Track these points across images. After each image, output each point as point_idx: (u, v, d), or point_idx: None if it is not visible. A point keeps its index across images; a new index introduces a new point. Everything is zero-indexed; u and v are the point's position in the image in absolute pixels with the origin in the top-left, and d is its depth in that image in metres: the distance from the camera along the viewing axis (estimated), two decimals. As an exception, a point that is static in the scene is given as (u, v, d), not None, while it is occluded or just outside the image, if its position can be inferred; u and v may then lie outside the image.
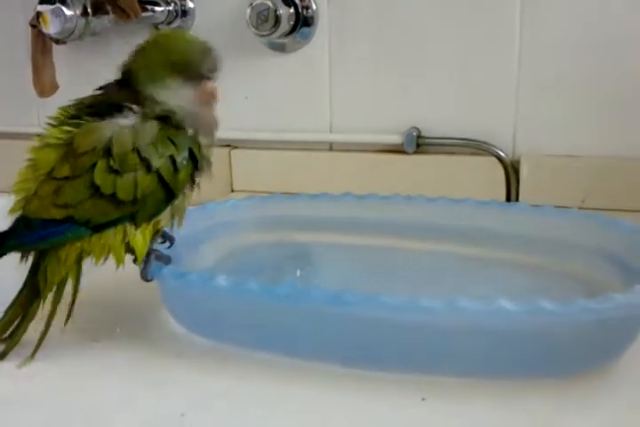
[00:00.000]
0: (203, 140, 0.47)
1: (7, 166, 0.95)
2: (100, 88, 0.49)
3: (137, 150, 0.44)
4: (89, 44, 0.87)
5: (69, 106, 0.47)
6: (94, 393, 0.44)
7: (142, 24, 0.85)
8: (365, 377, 0.44)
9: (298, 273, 0.60)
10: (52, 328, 0.48)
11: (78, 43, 0.84)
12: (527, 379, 0.43)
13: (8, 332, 0.48)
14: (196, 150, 0.46)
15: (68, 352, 0.49)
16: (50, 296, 0.48)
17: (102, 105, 0.46)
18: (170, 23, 0.85)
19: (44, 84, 0.85)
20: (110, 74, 0.87)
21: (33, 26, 0.83)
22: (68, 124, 0.46)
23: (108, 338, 0.51)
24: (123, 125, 0.45)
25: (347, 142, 0.83)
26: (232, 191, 0.85)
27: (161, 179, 0.45)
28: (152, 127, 0.45)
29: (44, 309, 0.48)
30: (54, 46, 0.85)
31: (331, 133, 0.83)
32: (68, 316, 0.48)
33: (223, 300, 0.45)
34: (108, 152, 0.44)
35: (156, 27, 0.86)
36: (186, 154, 0.46)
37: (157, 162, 0.45)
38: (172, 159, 0.45)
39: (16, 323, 0.48)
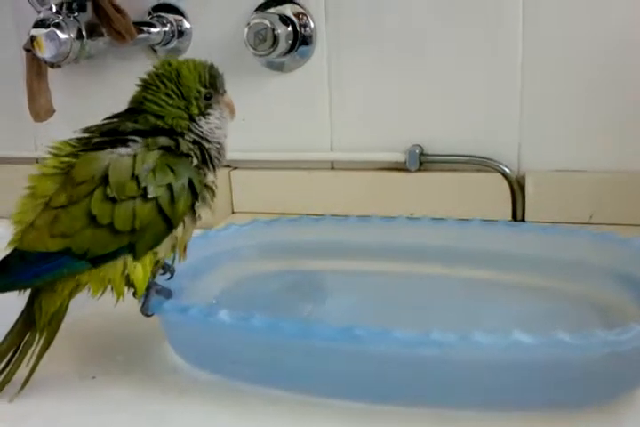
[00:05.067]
0: (208, 170, 0.46)
1: (3, 191, 0.95)
2: (108, 118, 0.47)
3: (136, 178, 0.43)
4: (84, 67, 0.86)
5: (72, 139, 0.46)
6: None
7: (138, 46, 0.84)
8: (376, 412, 0.42)
9: (305, 305, 0.58)
10: (50, 364, 0.47)
11: (73, 66, 0.83)
12: (542, 411, 0.41)
13: (1, 366, 0.47)
14: (196, 181, 0.45)
15: (65, 389, 0.47)
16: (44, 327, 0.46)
17: (107, 136, 0.45)
18: (166, 44, 0.84)
19: (40, 109, 0.84)
20: (106, 96, 0.88)
21: (27, 50, 0.82)
22: (67, 156, 0.45)
23: (106, 373, 0.49)
24: (122, 154, 0.44)
25: (348, 161, 0.81)
26: (232, 213, 0.84)
27: (159, 208, 0.44)
28: (152, 155, 0.44)
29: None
30: (49, 70, 0.84)
31: (332, 152, 0.82)
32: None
33: (226, 335, 0.44)
34: (105, 180, 0.43)
35: (152, 48, 0.85)
36: (185, 183, 0.45)
37: (155, 190, 0.43)
38: (170, 188, 0.44)
39: (9, 356, 0.46)
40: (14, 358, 0.46)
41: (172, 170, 0.44)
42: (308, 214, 0.71)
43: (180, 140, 0.46)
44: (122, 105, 0.92)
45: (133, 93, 0.48)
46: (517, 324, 0.49)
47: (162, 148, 0.45)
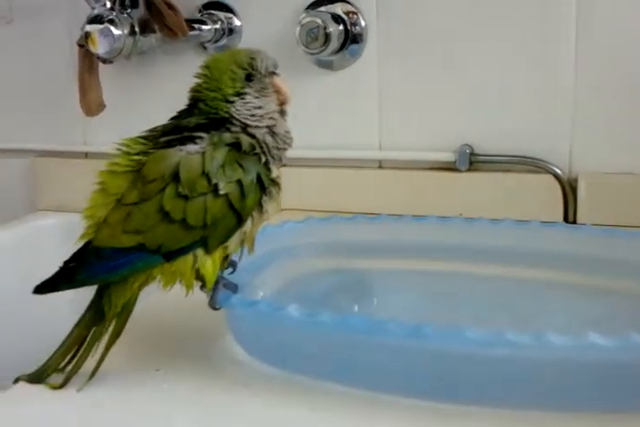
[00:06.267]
0: (273, 164, 0.46)
1: (54, 184, 0.97)
2: (174, 117, 0.48)
3: (206, 175, 0.44)
4: (135, 63, 0.87)
5: (140, 136, 0.47)
6: (162, 423, 0.43)
7: (189, 43, 0.85)
8: (443, 411, 0.42)
9: (359, 303, 0.58)
10: (114, 355, 0.47)
11: (124, 61, 0.84)
12: (612, 413, 0.41)
13: (64, 361, 0.48)
14: (264, 176, 0.46)
15: (130, 380, 0.48)
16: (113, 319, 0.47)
17: (173, 134, 0.46)
18: (217, 41, 0.84)
19: (91, 103, 0.85)
20: (155, 92, 0.89)
21: (80, 45, 0.83)
22: (137, 154, 0.45)
23: (170, 365, 0.50)
24: (191, 151, 0.44)
25: (396, 160, 0.81)
26: (281, 210, 0.85)
27: (230, 204, 0.44)
28: (221, 152, 0.44)
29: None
30: (100, 65, 0.85)
31: (380, 151, 0.82)
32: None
33: (294, 330, 0.44)
34: (176, 177, 0.44)
35: (202, 45, 0.86)
36: (254, 178, 0.45)
37: (226, 186, 0.44)
38: (240, 183, 0.44)
39: (75, 348, 0.47)
40: (82, 350, 0.47)
41: (241, 166, 0.45)
42: (354, 213, 0.71)
43: (242, 137, 0.46)
44: (170, 101, 0.92)
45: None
46: (578, 324, 0.50)
47: (228, 144, 0.45)
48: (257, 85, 0.47)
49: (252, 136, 0.46)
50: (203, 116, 0.46)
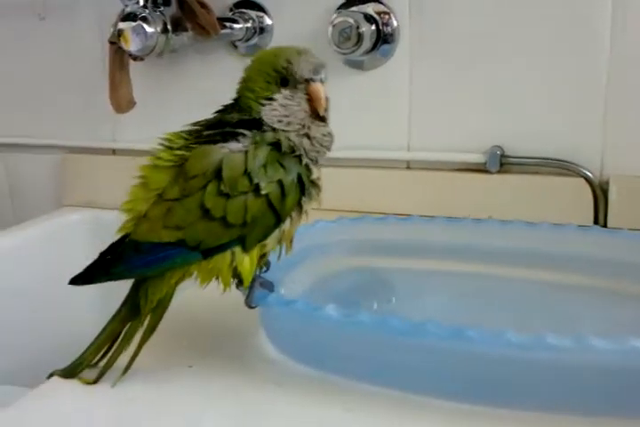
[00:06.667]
0: (313, 165, 0.46)
1: (82, 180, 0.97)
2: (217, 111, 0.48)
3: (248, 174, 0.44)
4: (166, 61, 0.87)
5: (183, 131, 0.47)
6: (194, 420, 0.43)
7: (220, 41, 0.85)
8: (477, 413, 0.42)
9: (390, 303, 0.58)
10: (148, 351, 0.47)
11: (155, 59, 0.84)
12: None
13: (98, 356, 0.48)
14: (304, 176, 0.46)
15: (163, 377, 0.48)
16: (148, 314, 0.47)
17: (215, 129, 0.46)
18: (248, 40, 0.84)
19: (121, 100, 0.85)
20: (185, 90, 0.89)
21: (112, 42, 0.83)
22: (180, 149, 0.45)
23: (202, 362, 0.50)
24: (233, 149, 0.44)
25: (424, 161, 0.81)
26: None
27: (269, 203, 0.44)
28: (263, 151, 0.44)
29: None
30: (131, 62, 0.85)
31: (408, 152, 0.82)
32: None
33: (331, 330, 0.44)
34: (218, 175, 0.44)
35: (233, 44, 0.86)
36: (294, 178, 0.45)
37: (267, 186, 0.44)
38: (281, 184, 0.44)
39: (109, 343, 0.48)
40: (116, 345, 0.48)
41: (282, 165, 0.45)
42: (383, 213, 0.71)
43: (282, 137, 0.46)
44: (200, 99, 0.93)
45: None
46: (612, 329, 0.49)
47: (269, 144, 0.45)
48: (288, 92, 0.45)
49: (289, 138, 0.46)
50: (244, 113, 0.46)
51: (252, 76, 0.47)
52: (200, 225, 0.44)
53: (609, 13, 0.71)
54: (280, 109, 0.46)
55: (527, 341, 0.38)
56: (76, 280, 0.47)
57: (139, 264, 0.45)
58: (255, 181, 0.44)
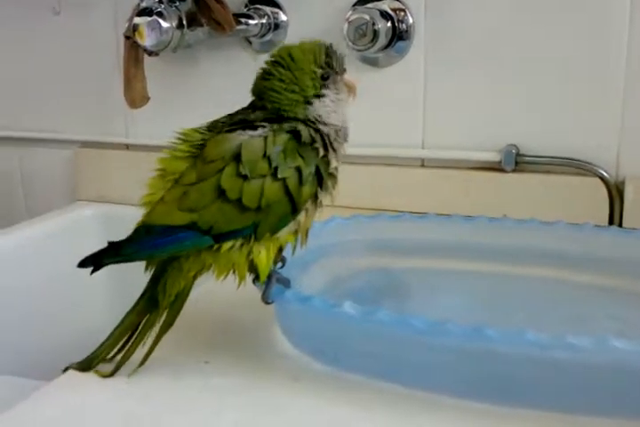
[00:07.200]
0: (333, 158, 0.46)
1: (95, 175, 0.97)
2: (236, 112, 0.48)
3: (268, 157, 0.44)
4: (180, 56, 0.87)
5: (201, 127, 0.47)
6: (210, 415, 0.43)
7: (235, 37, 0.85)
8: (496, 413, 0.42)
9: (405, 302, 0.58)
10: (164, 345, 0.47)
11: (169, 54, 0.84)
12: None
13: (115, 349, 0.48)
14: (322, 169, 0.46)
15: (179, 372, 0.48)
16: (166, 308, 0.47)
17: (235, 123, 0.46)
18: (262, 36, 0.84)
19: (136, 95, 0.85)
20: (199, 86, 0.89)
21: (127, 37, 0.83)
22: (198, 141, 0.46)
23: (218, 358, 0.50)
24: (253, 135, 0.45)
25: (439, 159, 0.81)
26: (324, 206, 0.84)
27: (286, 189, 0.44)
28: (282, 138, 0.45)
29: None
30: (145, 57, 0.85)
31: (422, 149, 0.82)
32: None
33: (348, 327, 0.44)
34: (237, 158, 0.44)
35: (247, 40, 0.86)
36: (312, 169, 0.45)
37: (285, 171, 0.44)
38: (299, 171, 0.44)
39: (126, 336, 0.48)
40: (133, 338, 0.48)
41: (301, 156, 0.45)
42: (397, 211, 0.71)
43: (301, 128, 0.46)
44: (214, 94, 0.93)
45: (254, 83, 0.49)
46: (625, 328, 0.49)
47: (288, 132, 0.45)
48: (332, 85, 0.47)
49: (317, 130, 0.46)
50: (273, 115, 0.46)
51: (292, 77, 0.46)
52: (214, 207, 0.43)
53: (627, 11, 0.71)
54: (331, 105, 0.47)
55: (547, 340, 0.38)
56: (86, 262, 0.46)
57: (148, 246, 0.44)
58: (274, 164, 0.44)
